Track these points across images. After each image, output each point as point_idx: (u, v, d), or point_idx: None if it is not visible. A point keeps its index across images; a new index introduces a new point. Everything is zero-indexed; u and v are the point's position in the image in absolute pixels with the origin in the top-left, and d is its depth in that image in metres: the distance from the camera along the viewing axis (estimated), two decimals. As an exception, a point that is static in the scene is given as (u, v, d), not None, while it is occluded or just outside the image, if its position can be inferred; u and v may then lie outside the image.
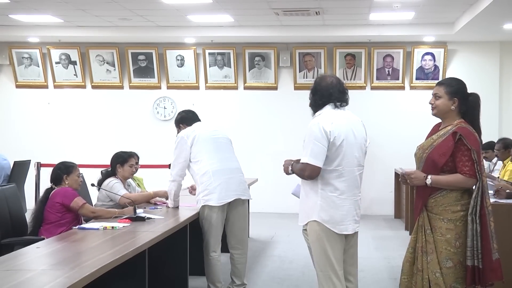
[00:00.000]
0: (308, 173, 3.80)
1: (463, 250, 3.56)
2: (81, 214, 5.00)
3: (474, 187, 3.59)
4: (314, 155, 3.77)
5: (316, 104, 3.99)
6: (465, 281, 3.57)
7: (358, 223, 3.96)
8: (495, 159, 7.83)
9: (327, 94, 3.96)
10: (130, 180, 5.99)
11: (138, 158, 6.59)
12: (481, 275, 3.52)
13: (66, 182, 5.08)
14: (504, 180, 6.29)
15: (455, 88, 3.70)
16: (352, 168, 3.89)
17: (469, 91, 3.74)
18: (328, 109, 3.94)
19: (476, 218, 3.52)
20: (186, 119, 5.43)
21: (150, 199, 5.77)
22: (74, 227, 4.55)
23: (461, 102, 3.68)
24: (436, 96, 3.73)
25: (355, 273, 4.06)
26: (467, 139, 3.55)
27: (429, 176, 3.61)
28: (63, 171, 5.12)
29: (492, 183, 5.75)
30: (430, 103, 3.77)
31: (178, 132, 5.42)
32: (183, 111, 5.66)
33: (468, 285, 3.56)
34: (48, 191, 5.08)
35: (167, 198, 5.68)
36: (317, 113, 3.96)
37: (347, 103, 4.02)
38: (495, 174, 7.31)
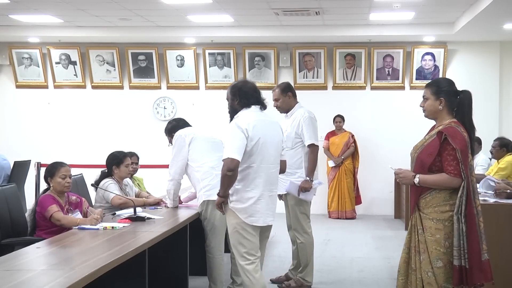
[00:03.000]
0: (226, 167, 4.06)
1: (452, 250, 3.55)
2: (53, 221, 4.80)
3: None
4: (234, 149, 4.07)
5: (237, 107, 4.29)
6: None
7: (272, 217, 4.31)
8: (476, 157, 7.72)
9: (250, 97, 4.29)
10: (127, 179, 5.97)
11: (138, 158, 6.59)
12: (468, 275, 3.50)
13: (51, 185, 4.95)
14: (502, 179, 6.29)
15: (440, 88, 3.74)
16: (267, 165, 4.22)
17: (469, 90, 3.74)
18: (247, 111, 4.25)
19: (462, 217, 3.51)
20: (178, 127, 5.46)
21: (140, 206, 5.69)
22: (74, 227, 4.54)
23: (449, 101, 3.70)
24: (424, 98, 3.79)
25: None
26: (452, 138, 3.56)
27: (417, 176, 3.65)
28: (47, 173, 4.97)
29: (493, 184, 5.75)
30: (420, 106, 3.82)
31: (169, 141, 5.46)
32: (173, 120, 5.75)
33: (455, 285, 3.55)
34: (44, 192, 5.02)
35: (157, 204, 5.70)
36: (236, 116, 4.25)
37: (265, 107, 4.34)
38: (479, 171, 7.29)
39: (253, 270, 4.18)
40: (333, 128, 10.22)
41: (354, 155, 10.16)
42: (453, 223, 3.54)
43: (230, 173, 4.07)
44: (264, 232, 4.38)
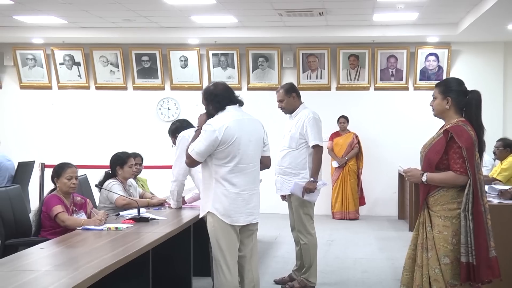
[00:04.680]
0: (188, 161, 4.25)
1: (459, 247, 3.59)
2: (57, 222, 4.80)
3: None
4: (198, 151, 4.12)
5: (212, 112, 4.25)
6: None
7: (254, 216, 4.26)
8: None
9: (221, 100, 4.23)
10: (131, 180, 5.98)
11: (141, 159, 6.60)
12: (476, 271, 3.53)
13: (58, 186, 4.95)
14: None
15: (448, 87, 3.78)
16: (245, 165, 4.19)
17: (478, 90, 3.77)
18: (224, 112, 4.20)
19: (469, 214, 3.55)
20: (181, 128, 5.47)
21: (144, 206, 5.68)
22: (78, 228, 4.54)
23: (457, 101, 3.74)
24: (433, 97, 3.84)
25: (252, 268, 4.34)
26: (457, 137, 3.60)
27: (424, 174, 3.70)
28: (54, 173, 4.97)
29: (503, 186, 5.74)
30: (430, 105, 3.87)
31: (173, 142, 5.47)
32: (177, 120, 5.79)
33: (463, 281, 3.58)
34: (50, 192, 5.03)
35: (161, 205, 5.71)
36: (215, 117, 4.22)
37: (241, 104, 4.31)
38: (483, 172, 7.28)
39: (229, 273, 4.14)
40: (337, 128, 10.21)
41: (358, 155, 10.15)
42: (461, 221, 3.56)
43: (190, 166, 4.39)
44: (245, 231, 4.28)
